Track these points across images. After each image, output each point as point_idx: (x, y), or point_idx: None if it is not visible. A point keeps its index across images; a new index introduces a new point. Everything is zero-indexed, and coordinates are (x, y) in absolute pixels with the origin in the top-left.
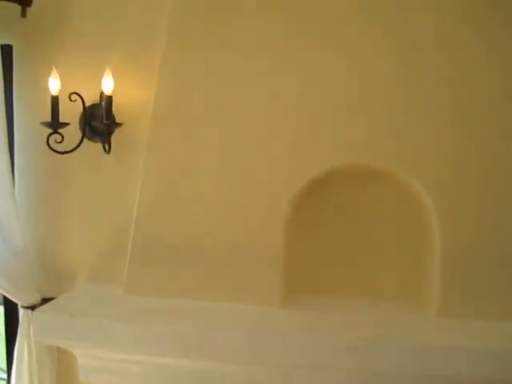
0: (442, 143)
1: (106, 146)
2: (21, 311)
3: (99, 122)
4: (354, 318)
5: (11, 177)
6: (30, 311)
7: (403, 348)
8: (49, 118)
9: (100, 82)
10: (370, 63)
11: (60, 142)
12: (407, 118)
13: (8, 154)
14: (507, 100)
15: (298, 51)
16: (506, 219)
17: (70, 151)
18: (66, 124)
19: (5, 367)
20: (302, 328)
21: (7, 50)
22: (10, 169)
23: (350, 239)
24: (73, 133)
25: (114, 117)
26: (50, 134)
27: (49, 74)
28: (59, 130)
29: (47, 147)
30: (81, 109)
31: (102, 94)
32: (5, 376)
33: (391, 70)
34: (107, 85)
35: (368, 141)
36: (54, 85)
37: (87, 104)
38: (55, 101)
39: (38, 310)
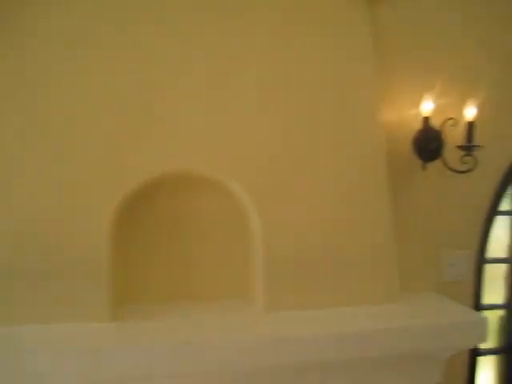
0: (260, 146)
1: None
2: None
3: None
4: (186, 321)
5: None
6: None
7: (234, 344)
8: None
9: None
10: (191, 67)
11: None
12: (225, 122)
13: None
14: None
15: (124, 52)
16: (324, 219)
17: None
18: None
19: None
20: (131, 340)
21: None
22: None
23: (180, 245)
24: None
25: None
26: None
27: None
28: None
29: None
30: None
31: None
32: None
33: (208, 77)
34: None
35: (188, 147)
36: None
37: None
38: None
39: None
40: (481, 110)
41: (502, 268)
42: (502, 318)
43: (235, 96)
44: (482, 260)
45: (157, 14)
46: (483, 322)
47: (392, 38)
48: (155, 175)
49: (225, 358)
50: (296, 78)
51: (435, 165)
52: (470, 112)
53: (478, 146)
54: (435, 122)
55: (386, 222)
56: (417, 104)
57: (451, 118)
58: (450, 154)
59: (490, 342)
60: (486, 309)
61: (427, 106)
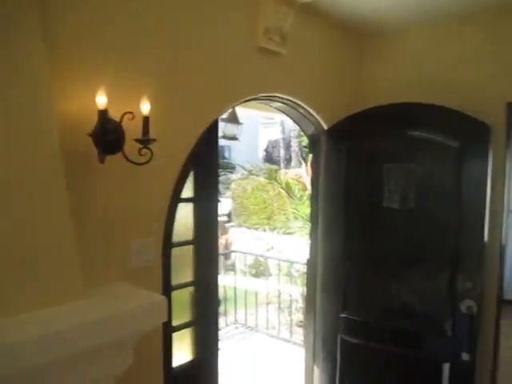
0: None
1: None
2: None
3: None
4: None
5: None
6: None
7: None
8: None
9: None
10: None
11: None
12: None
13: None
14: None
15: None
16: None
17: None
18: None
19: None
20: None
21: None
22: None
23: None
24: None
25: None
26: None
27: None
28: None
29: None
30: None
31: None
32: None
33: None
34: None
35: None
36: None
37: None
38: None
39: None
40: (157, 104)
41: (189, 249)
42: (191, 294)
43: None
44: (168, 244)
45: None
46: (162, 303)
47: (65, 29)
48: None
49: None
50: None
51: (117, 157)
52: (145, 107)
53: (154, 139)
54: (115, 115)
55: (64, 219)
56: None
57: (129, 112)
58: (131, 146)
59: (183, 317)
60: (177, 288)
61: (102, 99)
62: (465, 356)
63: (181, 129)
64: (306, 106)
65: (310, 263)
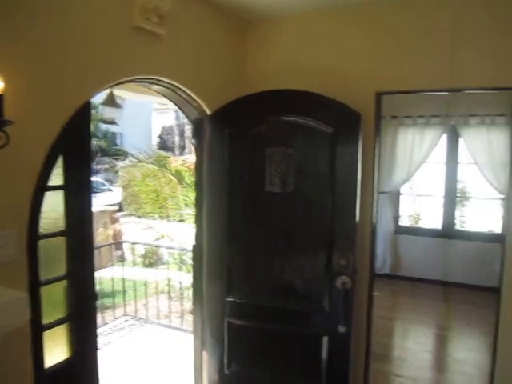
0: None
1: None
2: None
3: None
4: None
5: None
6: None
7: None
8: None
9: None
10: None
11: None
12: None
13: None
14: None
15: None
16: None
17: None
18: None
19: None
20: None
21: None
22: None
23: None
24: None
25: None
26: None
27: None
28: None
29: None
30: None
31: None
32: None
33: None
34: None
35: None
36: None
37: None
38: None
39: None
40: (15, 82)
41: (62, 241)
42: (65, 289)
43: None
44: (34, 236)
45: None
46: (23, 300)
47: None
48: None
49: None
50: None
51: None
52: None
53: (10, 121)
54: None
55: None
56: None
57: None
58: None
59: (57, 314)
60: (48, 283)
61: None
62: (341, 328)
63: (45, 111)
64: (187, 90)
65: (196, 249)
